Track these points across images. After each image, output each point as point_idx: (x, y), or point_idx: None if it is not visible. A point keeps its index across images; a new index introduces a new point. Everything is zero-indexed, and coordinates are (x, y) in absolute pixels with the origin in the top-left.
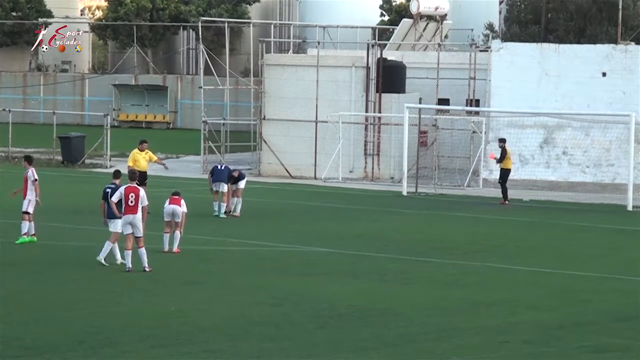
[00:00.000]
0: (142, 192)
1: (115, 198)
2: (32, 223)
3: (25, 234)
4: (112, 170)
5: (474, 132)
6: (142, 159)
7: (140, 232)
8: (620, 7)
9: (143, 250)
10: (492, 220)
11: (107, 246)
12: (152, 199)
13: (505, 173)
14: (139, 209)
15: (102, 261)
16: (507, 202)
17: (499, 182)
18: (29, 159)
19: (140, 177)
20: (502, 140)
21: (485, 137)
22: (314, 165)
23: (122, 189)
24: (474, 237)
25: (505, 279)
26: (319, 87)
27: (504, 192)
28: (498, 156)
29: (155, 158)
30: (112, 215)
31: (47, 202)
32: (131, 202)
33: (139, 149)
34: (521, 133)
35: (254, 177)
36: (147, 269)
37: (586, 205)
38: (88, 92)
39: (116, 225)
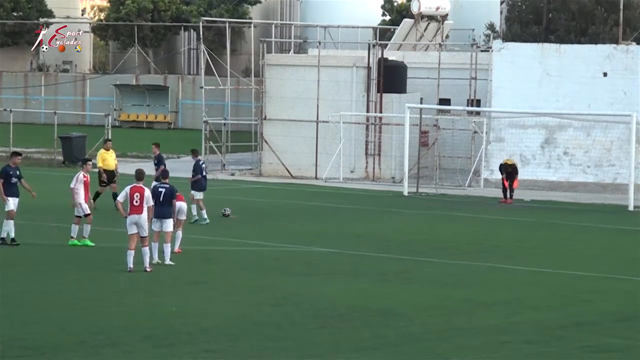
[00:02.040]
0: (147, 192)
1: (121, 198)
2: (78, 226)
3: (73, 237)
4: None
5: (475, 132)
6: (109, 157)
7: (145, 232)
8: (621, 7)
9: (146, 250)
10: (493, 220)
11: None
12: None
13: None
14: (144, 209)
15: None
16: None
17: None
18: (86, 162)
19: (109, 176)
20: (506, 168)
21: (487, 137)
22: (315, 165)
23: (127, 189)
24: (474, 237)
25: (506, 279)
26: (320, 87)
27: (512, 191)
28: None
29: (116, 162)
30: (158, 215)
31: (48, 202)
32: (136, 202)
33: (104, 148)
34: (522, 133)
35: (255, 177)
36: (148, 269)
37: (587, 206)
38: (89, 92)
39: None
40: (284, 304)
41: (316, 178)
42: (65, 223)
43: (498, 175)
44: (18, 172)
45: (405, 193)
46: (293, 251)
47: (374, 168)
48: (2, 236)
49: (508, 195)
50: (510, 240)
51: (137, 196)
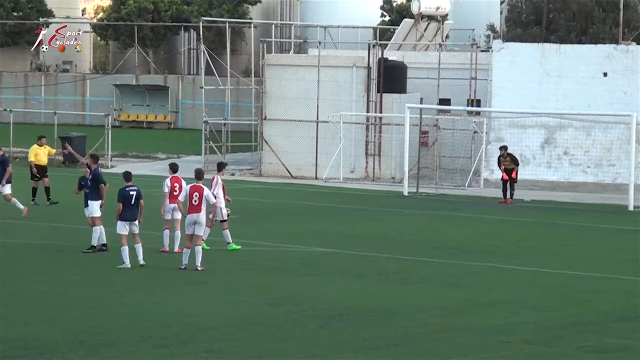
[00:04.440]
0: (206, 191)
1: (181, 197)
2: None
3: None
4: (113, 170)
5: (475, 132)
6: (42, 153)
7: (202, 231)
8: (621, 7)
9: (199, 249)
10: (493, 221)
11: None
12: (148, 199)
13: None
14: (203, 208)
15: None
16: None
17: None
18: (222, 166)
19: (40, 172)
20: (504, 148)
21: (487, 137)
22: (315, 165)
23: (187, 188)
24: (475, 237)
25: (506, 279)
26: (320, 87)
27: (512, 190)
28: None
29: (54, 151)
30: (129, 218)
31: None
32: (195, 201)
33: (38, 144)
34: (522, 133)
35: (255, 177)
36: (199, 268)
37: (587, 206)
38: (89, 92)
39: (121, 228)
40: (284, 304)
41: (316, 178)
42: (63, 223)
43: (498, 175)
44: (87, 183)
45: (405, 193)
46: (293, 251)
47: (374, 168)
48: (92, 244)
49: (508, 195)
50: (510, 240)
51: (196, 195)
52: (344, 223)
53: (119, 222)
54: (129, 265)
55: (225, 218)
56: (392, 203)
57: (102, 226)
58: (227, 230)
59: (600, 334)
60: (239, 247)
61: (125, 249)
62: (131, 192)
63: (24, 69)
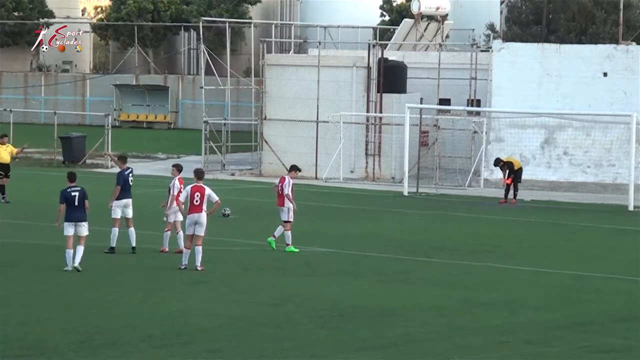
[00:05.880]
0: (207, 190)
1: (182, 198)
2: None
3: (289, 244)
4: (112, 170)
5: (475, 132)
6: (3, 151)
7: (203, 231)
8: (621, 7)
9: (199, 249)
10: (493, 221)
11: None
12: (150, 199)
13: (517, 173)
14: (204, 208)
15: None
16: (514, 200)
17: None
18: (295, 168)
19: (2, 169)
20: (498, 161)
21: (487, 137)
22: (315, 165)
23: (188, 189)
24: (474, 237)
25: (506, 279)
26: (320, 87)
27: (515, 191)
28: (506, 175)
29: (15, 150)
30: (73, 219)
31: (48, 202)
32: (196, 201)
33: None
34: (522, 133)
35: (255, 177)
36: (199, 268)
37: (587, 206)
38: (89, 92)
39: (67, 229)
40: (284, 304)
41: (316, 178)
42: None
43: (498, 175)
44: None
45: (405, 193)
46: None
47: (374, 168)
48: (112, 245)
49: (512, 196)
50: (510, 240)
51: (197, 195)
52: (344, 223)
53: (65, 224)
54: (72, 268)
55: (291, 219)
56: (392, 203)
57: (116, 228)
58: (289, 232)
59: (600, 334)
60: (297, 249)
61: (70, 252)
62: (73, 193)
63: (24, 69)
